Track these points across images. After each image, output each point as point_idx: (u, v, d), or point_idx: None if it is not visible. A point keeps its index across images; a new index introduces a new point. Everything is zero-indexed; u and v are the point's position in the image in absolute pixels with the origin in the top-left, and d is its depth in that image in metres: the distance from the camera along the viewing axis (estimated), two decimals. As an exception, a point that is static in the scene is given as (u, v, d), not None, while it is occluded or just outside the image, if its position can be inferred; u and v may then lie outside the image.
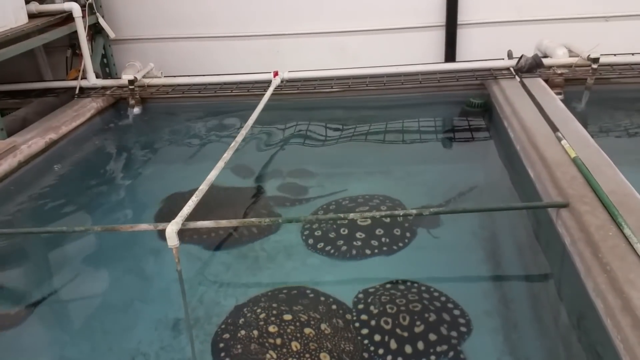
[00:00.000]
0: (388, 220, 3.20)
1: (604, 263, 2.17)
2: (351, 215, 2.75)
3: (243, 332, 2.52)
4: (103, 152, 4.82)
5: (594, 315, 2.14)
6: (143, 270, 3.21)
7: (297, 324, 2.53)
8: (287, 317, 2.57)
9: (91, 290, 3.06)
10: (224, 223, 2.84)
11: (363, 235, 3.14)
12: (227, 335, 2.52)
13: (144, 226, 2.85)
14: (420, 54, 5.75)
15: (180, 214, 2.75)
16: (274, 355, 2.35)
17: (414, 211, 2.73)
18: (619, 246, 2.24)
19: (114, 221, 3.66)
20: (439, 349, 2.36)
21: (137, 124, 5.18)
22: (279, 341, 2.42)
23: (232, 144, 3.64)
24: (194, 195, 2.95)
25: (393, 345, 2.38)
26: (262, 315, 2.59)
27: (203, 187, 3.07)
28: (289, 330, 2.49)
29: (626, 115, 4.55)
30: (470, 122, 4.68)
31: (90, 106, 5.08)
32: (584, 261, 2.28)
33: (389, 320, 2.51)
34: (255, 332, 2.49)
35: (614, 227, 2.38)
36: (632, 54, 4.82)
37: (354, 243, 3.10)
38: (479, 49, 5.64)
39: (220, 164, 3.37)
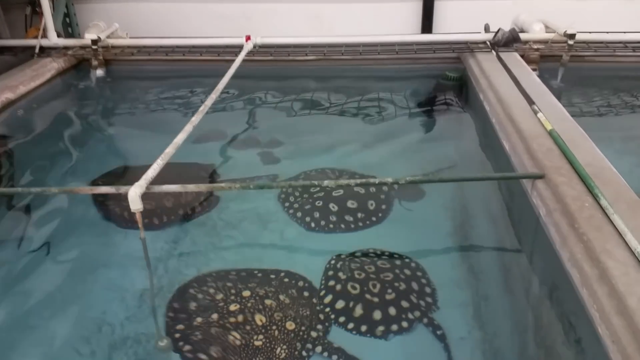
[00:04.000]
0: (362, 191, 3.14)
1: (581, 233, 2.13)
2: (325, 182, 2.67)
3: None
4: (63, 114, 4.59)
5: (568, 285, 2.11)
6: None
7: (257, 297, 2.45)
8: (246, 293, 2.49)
9: (47, 255, 2.90)
10: (191, 188, 2.71)
11: (336, 208, 3.07)
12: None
13: (105, 189, 2.70)
14: (397, 25, 5.66)
15: (144, 177, 2.61)
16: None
17: (390, 179, 2.66)
18: (596, 217, 2.21)
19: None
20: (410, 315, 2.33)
21: (100, 87, 4.95)
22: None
23: (201, 108, 3.49)
24: (159, 158, 2.81)
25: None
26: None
27: (169, 150, 2.92)
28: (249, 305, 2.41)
29: (599, 94, 4.56)
30: (446, 95, 4.61)
31: (51, 66, 4.82)
32: (560, 231, 2.24)
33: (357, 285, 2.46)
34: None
35: (590, 198, 2.34)
36: (607, 32, 4.81)
37: (328, 215, 3.03)
38: (456, 23, 5.57)
39: (189, 128, 3.23)
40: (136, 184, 2.54)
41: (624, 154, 3.63)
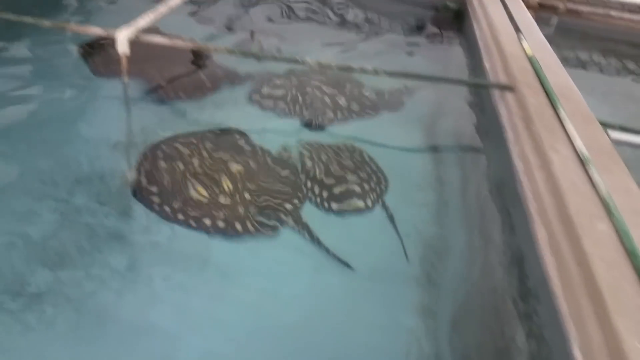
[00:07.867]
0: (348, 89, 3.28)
1: (534, 132, 2.29)
2: (308, 60, 2.76)
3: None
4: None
5: (512, 178, 2.28)
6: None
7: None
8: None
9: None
10: (180, 43, 2.79)
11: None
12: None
13: (94, 29, 2.76)
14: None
15: (134, 23, 2.68)
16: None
17: (370, 67, 2.77)
18: (552, 123, 2.36)
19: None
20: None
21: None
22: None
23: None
24: (151, 11, 2.87)
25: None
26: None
27: (163, 10, 2.97)
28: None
29: (587, 49, 4.66)
30: (444, 23, 4.68)
31: None
32: (516, 131, 2.40)
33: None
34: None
35: (551, 110, 2.49)
36: (606, -10, 4.87)
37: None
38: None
39: (184, -6, 3.27)
40: (125, 27, 2.62)
41: (602, 104, 3.77)
